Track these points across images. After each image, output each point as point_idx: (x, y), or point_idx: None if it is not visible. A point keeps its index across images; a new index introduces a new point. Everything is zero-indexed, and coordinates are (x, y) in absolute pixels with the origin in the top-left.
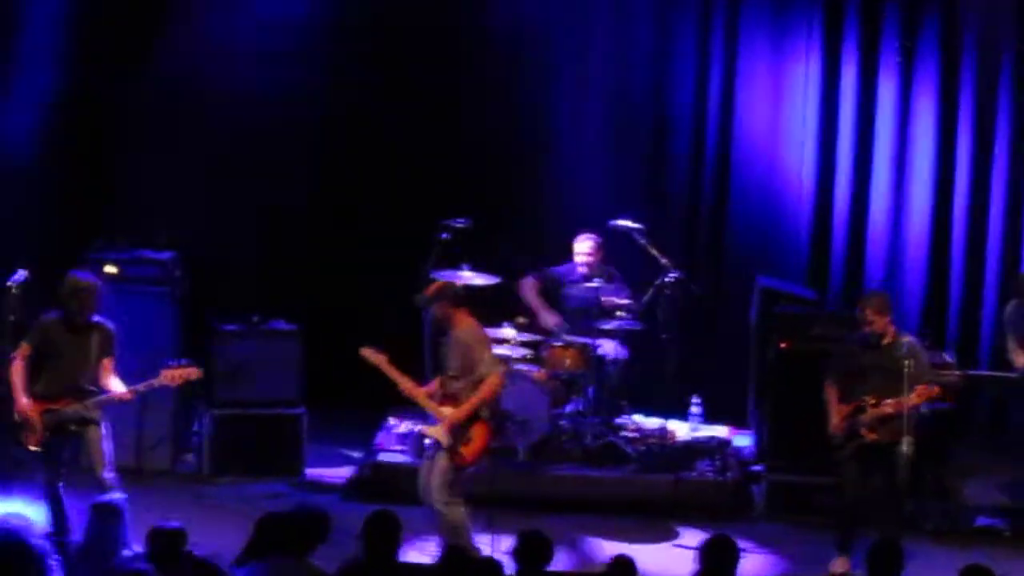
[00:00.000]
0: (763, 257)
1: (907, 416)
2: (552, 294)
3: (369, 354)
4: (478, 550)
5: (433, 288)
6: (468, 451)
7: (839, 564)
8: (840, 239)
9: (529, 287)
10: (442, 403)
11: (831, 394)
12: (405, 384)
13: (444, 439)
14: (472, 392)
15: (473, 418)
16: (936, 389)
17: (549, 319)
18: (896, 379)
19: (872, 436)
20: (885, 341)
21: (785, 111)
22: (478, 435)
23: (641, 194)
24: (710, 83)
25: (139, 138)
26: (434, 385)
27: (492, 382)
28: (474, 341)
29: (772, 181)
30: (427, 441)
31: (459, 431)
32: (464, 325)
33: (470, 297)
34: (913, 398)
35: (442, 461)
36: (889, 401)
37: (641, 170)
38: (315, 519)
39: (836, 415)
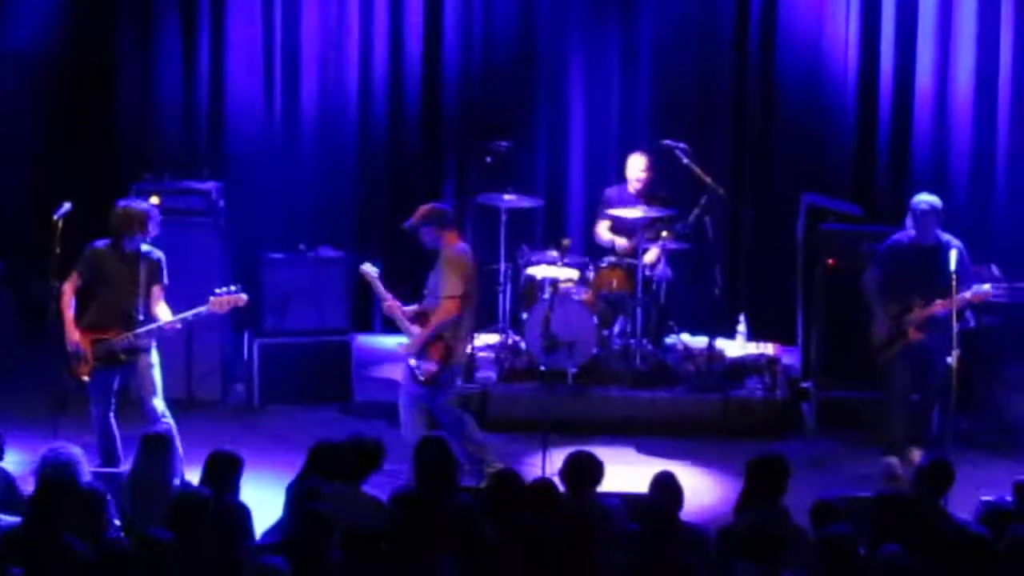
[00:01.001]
0: (808, 174)
1: (954, 327)
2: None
3: (366, 271)
4: None
5: (420, 214)
6: (425, 371)
7: (915, 455)
8: (884, 154)
9: (604, 229)
10: (415, 322)
11: (873, 292)
12: (388, 302)
13: (408, 355)
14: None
15: (435, 338)
16: (987, 289)
17: (624, 244)
18: (942, 283)
19: (918, 336)
20: (931, 242)
21: (827, 21)
22: (433, 355)
23: (685, 114)
24: None
25: (181, 74)
26: (416, 307)
27: (447, 307)
28: (450, 264)
29: (815, 97)
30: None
31: (422, 352)
32: (450, 247)
33: (458, 220)
34: (967, 296)
35: (410, 395)
36: (940, 302)
37: (684, 90)
38: (369, 447)
39: (886, 315)
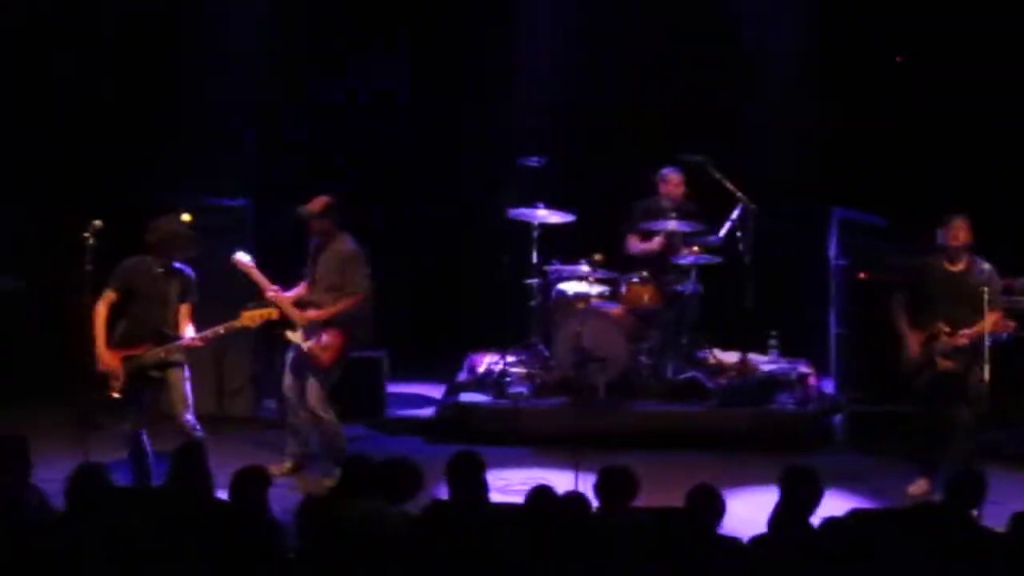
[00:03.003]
0: (835, 188)
1: (984, 343)
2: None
3: (239, 260)
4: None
5: (322, 204)
6: (326, 356)
7: (920, 485)
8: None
9: (634, 244)
10: (305, 311)
11: (900, 317)
12: (270, 291)
13: (302, 341)
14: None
15: (330, 324)
16: (1011, 324)
17: (653, 246)
18: (969, 305)
19: (947, 364)
20: (960, 265)
21: None
22: (334, 340)
23: (713, 128)
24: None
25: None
26: (298, 291)
27: (357, 297)
28: (352, 259)
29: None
30: (289, 355)
31: (314, 333)
32: (345, 242)
33: (353, 217)
34: (987, 325)
35: (311, 378)
36: (965, 332)
37: (714, 103)
38: (405, 473)
39: (914, 342)
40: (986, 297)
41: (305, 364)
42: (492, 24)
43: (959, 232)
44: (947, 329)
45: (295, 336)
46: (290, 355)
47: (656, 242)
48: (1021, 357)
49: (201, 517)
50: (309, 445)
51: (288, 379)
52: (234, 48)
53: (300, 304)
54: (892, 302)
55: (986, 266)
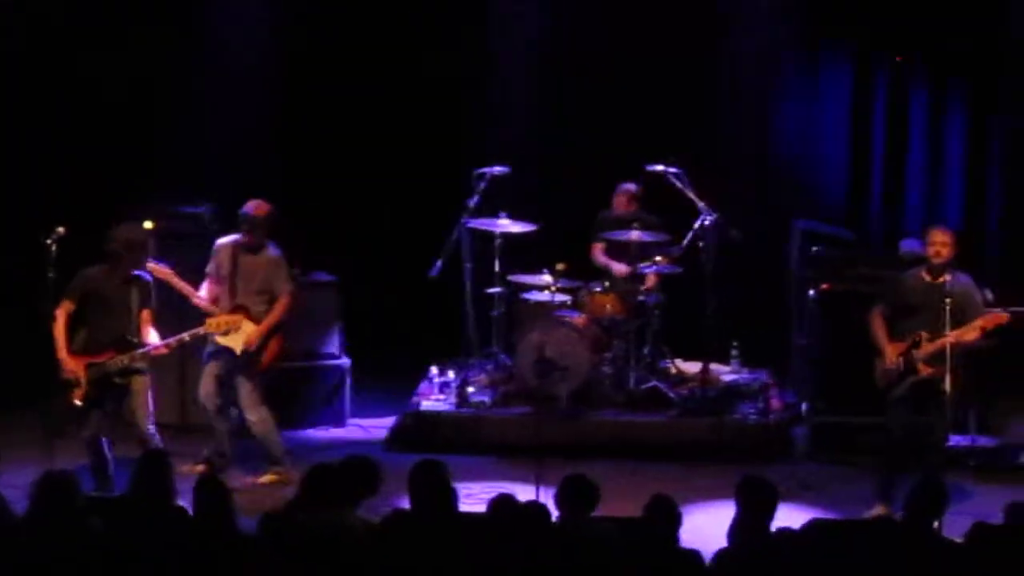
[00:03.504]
0: (801, 199)
1: (951, 352)
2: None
3: (156, 269)
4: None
5: (265, 210)
6: (265, 358)
7: (878, 510)
8: (877, 178)
9: (599, 252)
10: (233, 312)
11: (879, 327)
12: (196, 297)
13: (243, 347)
14: (269, 307)
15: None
16: (1006, 316)
17: (621, 269)
18: (948, 317)
19: (929, 371)
20: (943, 278)
21: None
22: (273, 344)
23: (680, 137)
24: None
25: (177, 102)
26: (209, 291)
27: (288, 301)
28: (280, 264)
29: (810, 122)
30: (209, 349)
31: (262, 341)
32: (272, 250)
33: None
34: (971, 332)
35: (246, 381)
36: (949, 333)
37: (680, 114)
38: (365, 470)
39: (892, 350)
40: (948, 307)
41: (237, 368)
42: (462, 32)
43: (942, 248)
44: (927, 336)
45: (227, 340)
46: (211, 363)
47: (622, 269)
48: (987, 367)
49: (164, 526)
50: (225, 447)
51: (210, 386)
52: (211, 53)
53: (234, 310)
54: (872, 312)
55: (964, 278)
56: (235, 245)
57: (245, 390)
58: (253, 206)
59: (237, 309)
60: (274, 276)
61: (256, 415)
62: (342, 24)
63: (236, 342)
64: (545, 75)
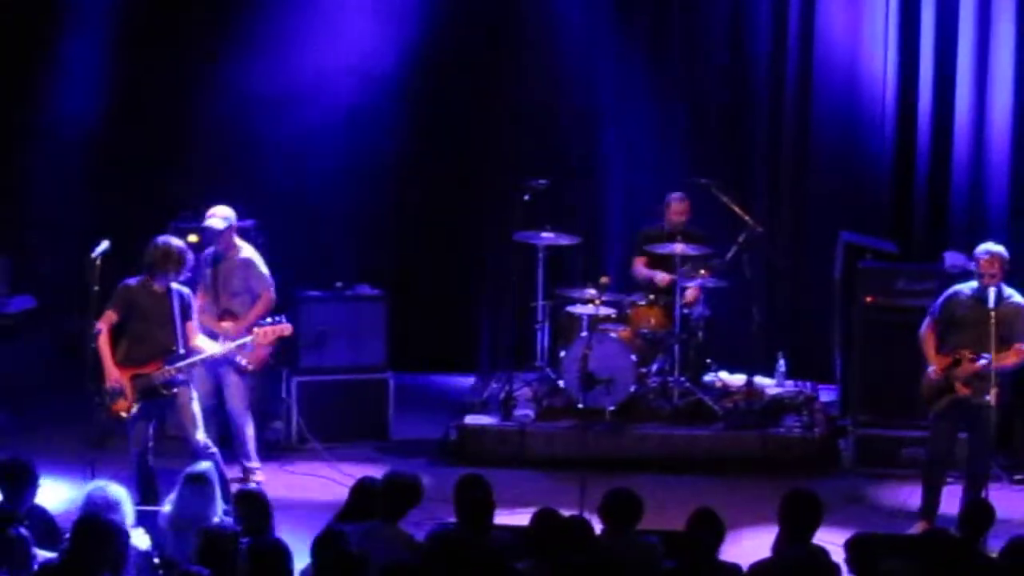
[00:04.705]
0: (846, 212)
1: (1000, 372)
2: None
3: None
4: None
5: (223, 214)
6: (252, 358)
7: (921, 525)
8: (921, 190)
9: (640, 265)
10: (221, 318)
11: (928, 340)
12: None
13: (219, 349)
14: (250, 307)
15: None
16: None
17: (664, 277)
18: (995, 336)
19: (965, 391)
20: (991, 296)
21: (864, 58)
22: (259, 343)
23: (721, 151)
24: (788, 26)
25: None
26: (200, 300)
27: (269, 296)
28: (250, 266)
29: (853, 134)
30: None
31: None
32: (246, 251)
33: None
34: (1011, 356)
35: (239, 382)
36: (984, 360)
37: (720, 126)
38: (408, 484)
39: (938, 363)
40: (1010, 330)
41: (228, 360)
42: (501, 44)
43: (991, 266)
44: (970, 356)
45: (211, 346)
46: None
47: (663, 278)
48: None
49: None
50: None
51: (208, 386)
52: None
53: (223, 315)
54: (924, 324)
55: (1018, 297)
56: (212, 255)
57: (233, 387)
58: (208, 214)
59: (224, 315)
60: (248, 276)
61: (244, 413)
62: (383, 33)
63: (216, 347)
64: (583, 89)
